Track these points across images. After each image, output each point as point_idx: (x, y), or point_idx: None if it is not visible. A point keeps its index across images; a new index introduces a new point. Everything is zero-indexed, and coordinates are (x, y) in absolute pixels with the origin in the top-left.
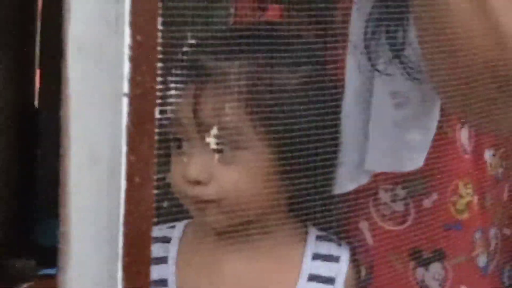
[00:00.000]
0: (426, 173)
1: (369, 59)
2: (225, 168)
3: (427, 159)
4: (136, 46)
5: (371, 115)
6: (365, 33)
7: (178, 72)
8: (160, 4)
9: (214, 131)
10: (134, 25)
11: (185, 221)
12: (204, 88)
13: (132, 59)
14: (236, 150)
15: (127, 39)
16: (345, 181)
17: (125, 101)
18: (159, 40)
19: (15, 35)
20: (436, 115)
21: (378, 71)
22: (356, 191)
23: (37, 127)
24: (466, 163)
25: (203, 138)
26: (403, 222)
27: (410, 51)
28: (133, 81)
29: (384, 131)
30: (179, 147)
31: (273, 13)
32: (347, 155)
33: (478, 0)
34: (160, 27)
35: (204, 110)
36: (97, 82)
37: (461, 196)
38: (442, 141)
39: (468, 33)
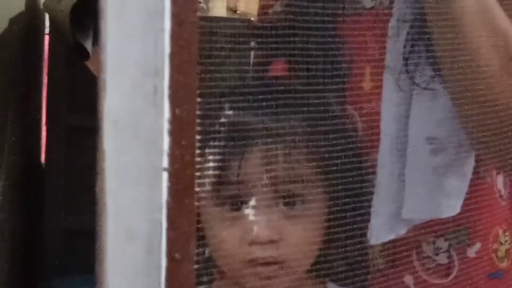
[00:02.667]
0: (466, 222)
1: (410, 77)
2: (293, 224)
3: (466, 207)
4: (175, 120)
5: (407, 161)
6: (404, 53)
7: (216, 143)
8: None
9: (287, 186)
10: (173, 98)
11: None
12: (268, 149)
13: (172, 133)
14: (304, 204)
15: (166, 113)
16: (382, 232)
17: (164, 175)
18: (198, 113)
19: (22, 91)
20: (472, 160)
21: (421, 87)
22: (399, 244)
23: (44, 184)
24: (504, 209)
25: (272, 196)
26: (448, 274)
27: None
28: (172, 156)
29: (421, 178)
30: (238, 209)
31: (278, 67)
32: (383, 204)
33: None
34: (198, 99)
35: (273, 167)
36: (133, 156)
37: (501, 243)
38: (479, 187)
39: (499, 87)
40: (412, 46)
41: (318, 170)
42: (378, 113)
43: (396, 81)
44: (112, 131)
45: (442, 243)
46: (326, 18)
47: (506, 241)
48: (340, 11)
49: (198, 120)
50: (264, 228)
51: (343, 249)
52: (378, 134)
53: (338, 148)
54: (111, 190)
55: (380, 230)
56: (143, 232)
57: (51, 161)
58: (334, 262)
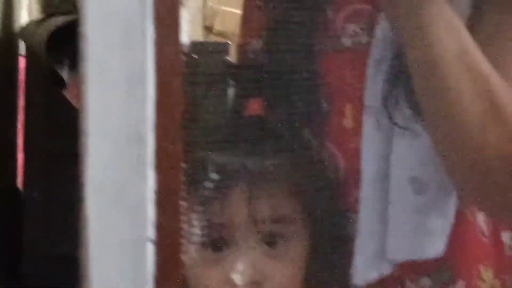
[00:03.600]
0: (449, 261)
1: (389, 117)
2: (276, 264)
3: (449, 245)
4: (160, 189)
5: (389, 201)
6: (383, 93)
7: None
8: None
9: (269, 225)
10: (158, 167)
11: None
12: (249, 189)
13: (157, 203)
14: (287, 242)
15: (151, 181)
16: (366, 271)
17: (149, 246)
18: (183, 179)
19: None
20: (454, 199)
21: (399, 126)
22: (382, 282)
23: (20, 208)
24: (486, 246)
25: (254, 236)
26: None
27: None
28: (158, 226)
29: (404, 217)
30: (220, 250)
31: (256, 105)
32: (366, 243)
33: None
34: (183, 165)
35: (255, 207)
36: (117, 225)
37: (483, 281)
38: (461, 225)
39: (478, 126)
40: (390, 86)
41: (299, 208)
42: (359, 151)
43: (376, 121)
44: (94, 198)
45: (426, 281)
46: (304, 56)
47: (489, 277)
48: (319, 49)
49: (183, 186)
50: (247, 269)
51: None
52: (359, 172)
53: (318, 186)
54: (94, 257)
55: (364, 270)
56: None
57: (29, 187)
58: None
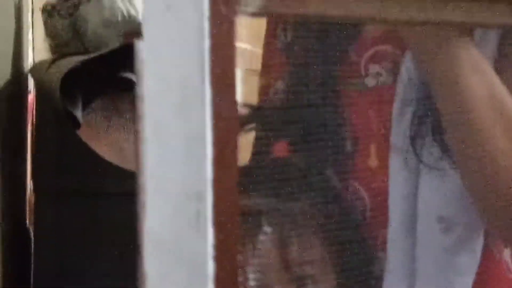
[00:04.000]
0: None
1: (417, 156)
2: None
3: (476, 283)
4: (219, 245)
5: (417, 240)
6: (410, 132)
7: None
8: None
9: (299, 267)
10: (217, 223)
11: None
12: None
13: (216, 258)
14: (315, 285)
15: (210, 238)
16: None
17: None
18: (239, 233)
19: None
20: (481, 236)
21: (427, 165)
22: None
23: (30, 249)
24: (510, 283)
25: (285, 278)
26: None
27: None
28: (218, 280)
29: (432, 257)
30: None
31: (281, 147)
32: (395, 283)
33: None
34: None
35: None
36: (177, 280)
37: None
38: (488, 263)
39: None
40: (418, 125)
41: (327, 249)
42: (385, 191)
43: (403, 161)
44: (153, 254)
45: None
46: (328, 96)
47: None
48: (343, 89)
49: (240, 241)
50: None
51: None
52: (386, 212)
53: (345, 226)
54: None
55: None
56: None
57: (40, 226)
58: None
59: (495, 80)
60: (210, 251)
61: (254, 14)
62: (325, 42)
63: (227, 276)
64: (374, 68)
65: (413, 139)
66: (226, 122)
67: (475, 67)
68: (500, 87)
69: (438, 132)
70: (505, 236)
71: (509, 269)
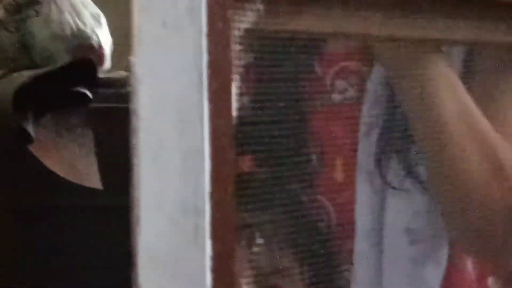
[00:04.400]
0: None
1: (382, 176)
2: None
3: None
4: (217, 257)
5: (384, 252)
6: (376, 154)
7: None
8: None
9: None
10: (214, 236)
11: None
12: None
13: (214, 270)
14: None
15: (208, 250)
16: None
17: None
18: (236, 246)
19: None
20: (446, 247)
21: (393, 187)
22: None
23: None
24: None
25: None
26: None
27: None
28: None
29: (399, 268)
30: None
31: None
32: None
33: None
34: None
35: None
36: None
37: None
38: (452, 273)
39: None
40: (383, 147)
41: (295, 260)
42: (351, 204)
43: (369, 179)
44: (149, 267)
45: None
46: (293, 112)
47: None
48: (309, 105)
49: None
50: None
51: None
52: (352, 225)
53: (311, 239)
54: None
55: None
56: None
57: None
58: None
59: (466, 96)
60: (208, 263)
61: (249, 31)
62: (291, 57)
63: (224, 286)
64: (341, 84)
65: (378, 161)
66: (224, 137)
67: (447, 83)
68: (470, 104)
69: (403, 152)
70: (472, 248)
71: (471, 279)
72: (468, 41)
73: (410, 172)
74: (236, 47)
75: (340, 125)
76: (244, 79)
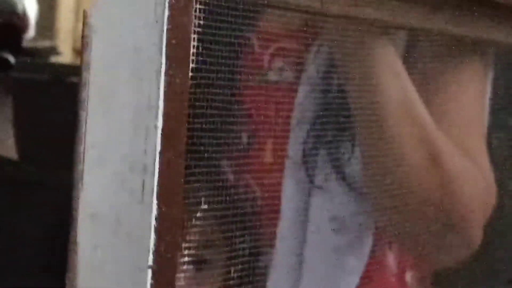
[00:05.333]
0: None
1: (308, 174)
2: None
3: (361, 282)
4: (162, 218)
5: (307, 239)
6: (304, 148)
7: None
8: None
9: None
10: (161, 196)
11: None
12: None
13: (158, 231)
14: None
15: (154, 211)
16: None
17: (149, 273)
18: (182, 209)
19: None
20: (369, 240)
21: (317, 186)
22: None
23: None
24: (392, 285)
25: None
26: None
27: (354, 167)
28: (158, 253)
29: (321, 256)
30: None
31: None
32: (280, 279)
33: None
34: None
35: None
36: (113, 252)
37: None
38: (373, 265)
39: (417, 170)
40: (312, 142)
41: (221, 236)
42: (278, 188)
43: (296, 171)
44: (89, 224)
45: None
46: (227, 86)
47: None
48: (244, 81)
49: (183, 217)
50: None
51: None
52: (278, 208)
53: (235, 216)
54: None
55: None
56: None
57: None
58: None
59: (409, 84)
60: (153, 223)
61: None
62: (234, 24)
63: (167, 249)
64: (277, 63)
65: (305, 156)
66: (179, 95)
67: (391, 68)
68: (413, 92)
69: (332, 150)
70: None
71: (391, 272)
72: (415, 27)
73: (338, 172)
74: (197, 5)
75: (274, 106)
76: (199, 40)
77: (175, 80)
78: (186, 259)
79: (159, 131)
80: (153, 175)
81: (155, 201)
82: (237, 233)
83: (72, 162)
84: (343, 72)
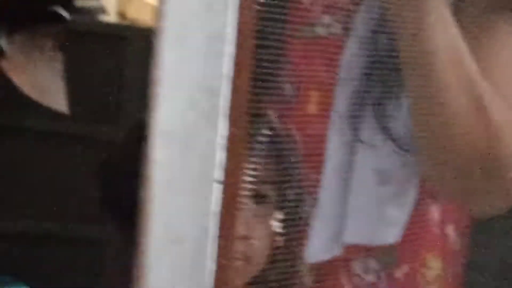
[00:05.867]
0: (397, 246)
1: (353, 129)
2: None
3: (404, 234)
4: (231, 137)
5: (351, 189)
6: (350, 104)
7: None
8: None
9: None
10: (230, 118)
11: None
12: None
13: (227, 149)
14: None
15: (222, 130)
16: (319, 252)
17: (217, 187)
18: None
19: None
20: (413, 192)
21: (361, 141)
22: (330, 261)
23: None
24: (436, 236)
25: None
26: None
27: (400, 124)
28: (226, 169)
29: (365, 206)
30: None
31: None
32: (323, 226)
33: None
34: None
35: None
36: (186, 167)
37: (430, 268)
38: (416, 216)
39: (461, 119)
40: (359, 98)
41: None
42: (322, 139)
43: (340, 129)
44: (161, 141)
45: (372, 263)
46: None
47: (434, 266)
48: (290, 35)
49: (249, 138)
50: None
51: (280, 265)
52: (321, 158)
53: (280, 164)
54: (159, 198)
55: (318, 250)
56: (191, 236)
57: None
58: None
59: (456, 33)
60: (220, 141)
61: None
62: None
63: (235, 166)
64: (326, 18)
65: (352, 110)
66: (247, 25)
67: (441, 17)
68: (460, 42)
69: (379, 106)
70: (438, 184)
71: (434, 224)
72: None
73: (383, 127)
74: None
75: (320, 59)
76: None
77: (245, 9)
78: (249, 178)
79: (228, 58)
80: (222, 97)
81: (222, 121)
82: (281, 181)
83: (118, 117)
84: (393, 22)
